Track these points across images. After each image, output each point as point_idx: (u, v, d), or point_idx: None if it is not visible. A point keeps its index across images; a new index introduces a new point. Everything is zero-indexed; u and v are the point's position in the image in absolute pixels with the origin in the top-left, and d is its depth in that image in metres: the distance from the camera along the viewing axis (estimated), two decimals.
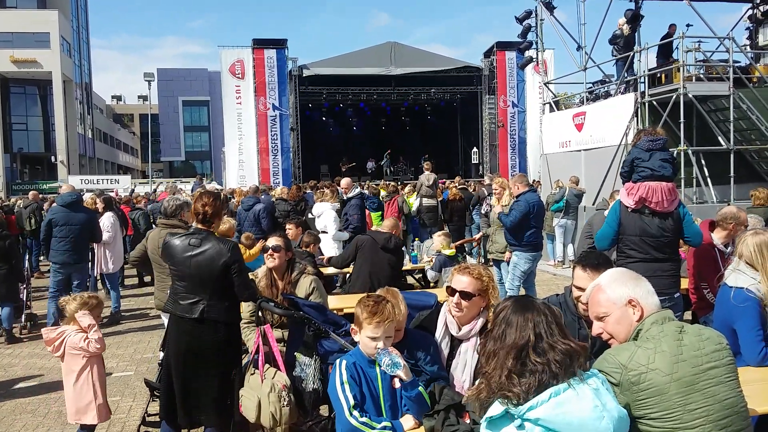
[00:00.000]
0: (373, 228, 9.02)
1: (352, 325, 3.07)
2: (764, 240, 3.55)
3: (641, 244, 4.83)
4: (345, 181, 11.10)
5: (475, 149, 29.73)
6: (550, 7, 15.67)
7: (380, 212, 12.59)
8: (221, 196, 4.48)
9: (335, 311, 4.62)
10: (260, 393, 3.72)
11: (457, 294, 3.13)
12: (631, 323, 2.40)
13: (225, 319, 4.08)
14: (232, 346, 4.16)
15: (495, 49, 28.78)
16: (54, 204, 9.61)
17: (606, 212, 5.90)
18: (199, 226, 4.18)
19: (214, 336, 4.02)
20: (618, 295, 2.43)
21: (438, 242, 7.79)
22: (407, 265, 8.54)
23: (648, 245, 4.82)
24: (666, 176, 4.94)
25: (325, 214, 9.47)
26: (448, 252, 7.53)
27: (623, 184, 5.21)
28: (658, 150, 5.00)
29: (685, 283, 5.56)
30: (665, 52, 13.53)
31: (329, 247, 9.00)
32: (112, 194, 22.12)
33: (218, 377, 4.01)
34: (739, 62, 13.40)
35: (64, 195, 8.81)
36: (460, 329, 3.19)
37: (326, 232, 9.26)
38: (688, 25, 13.44)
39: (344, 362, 2.90)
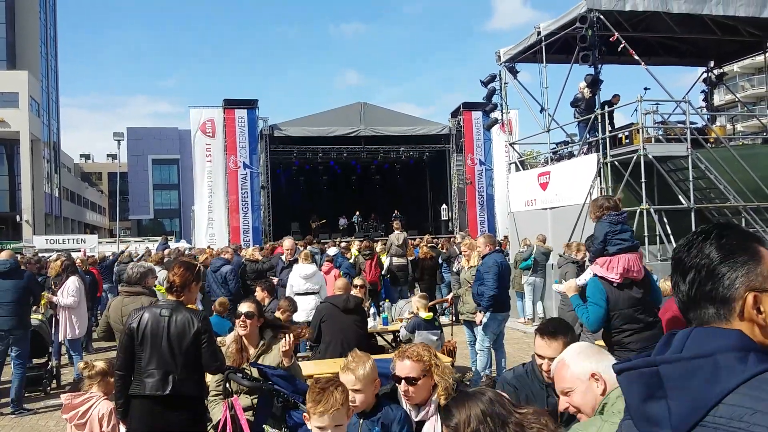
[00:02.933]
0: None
1: (304, 414, 2.89)
2: None
3: (634, 315, 4.91)
4: (288, 242, 10.75)
5: (444, 206, 30.09)
6: (514, 72, 16.14)
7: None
8: (195, 267, 4.43)
9: (307, 378, 4.58)
10: None
11: (403, 381, 3.18)
12: (596, 397, 2.44)
13: (195, 393, 4.01)
14: (199, 421, 4.08)
15: (462, 109, 29.46)
16: None
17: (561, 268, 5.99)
18: (168, 296, 4.17)
19: (182, 413, 3.93)
20: (581, 369, 2.47)
21: (416, 304, 7.78)
22: (378, 327, 8.51)
23: (639, 314, 4.92)
24: (637, 247, 5.22)
25: (318, 275, 9.30)
26: (424, 315, 7.47)
27: (594, 258, 5.31)
28: (623, 223, 5.22)
29: None
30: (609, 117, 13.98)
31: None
32: (80, 254, 21.85)
33: None
34: (695, 123, 13.91)
35: None
36: (418, 414, 3.25)
37: (316, 293, 8.94)
38: (645, 89, 13.88)
39: None
